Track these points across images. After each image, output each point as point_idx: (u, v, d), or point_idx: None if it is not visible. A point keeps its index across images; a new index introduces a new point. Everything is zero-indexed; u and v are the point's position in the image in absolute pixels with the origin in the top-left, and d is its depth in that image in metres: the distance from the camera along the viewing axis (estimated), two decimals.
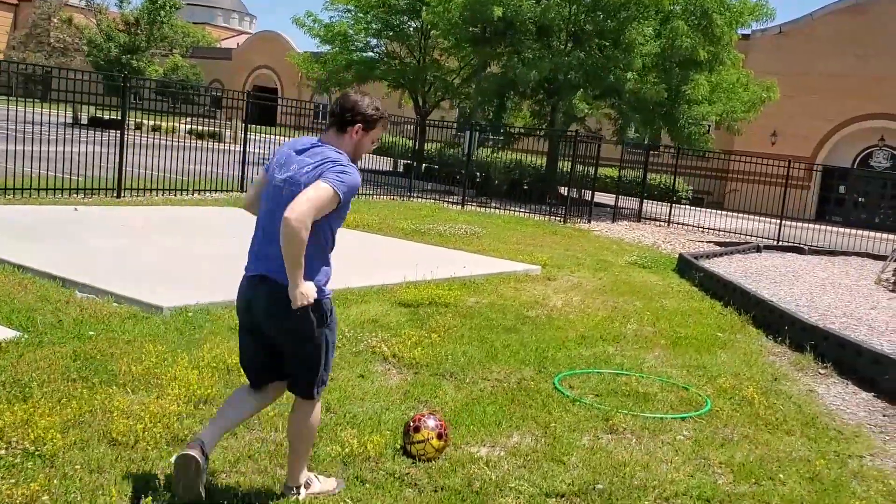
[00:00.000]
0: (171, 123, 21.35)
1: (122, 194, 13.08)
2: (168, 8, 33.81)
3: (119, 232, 9.53)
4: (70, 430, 3.81)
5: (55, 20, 43.92)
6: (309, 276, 3.16)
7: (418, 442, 3.97)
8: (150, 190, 13.62)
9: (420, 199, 19.00)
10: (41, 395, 4.17)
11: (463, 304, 7.59)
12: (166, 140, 16.30)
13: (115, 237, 9.08)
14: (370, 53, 27.00)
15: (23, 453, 3.54)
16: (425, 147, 26.83)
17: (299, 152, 3.26)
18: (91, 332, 5.38)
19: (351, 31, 26.02)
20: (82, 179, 12.90)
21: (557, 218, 18.11)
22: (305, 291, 3.11)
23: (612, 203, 20.76)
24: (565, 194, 19.36)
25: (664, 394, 5.53)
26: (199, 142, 19.74)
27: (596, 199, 20.49)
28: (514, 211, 18.43)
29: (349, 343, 5.82)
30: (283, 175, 3.22)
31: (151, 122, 23.75)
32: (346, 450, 3.95)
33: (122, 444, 3.74)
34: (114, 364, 4.78)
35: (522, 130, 22.15)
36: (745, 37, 28.18)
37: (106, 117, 19.52)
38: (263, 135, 18.66)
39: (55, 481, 3.33)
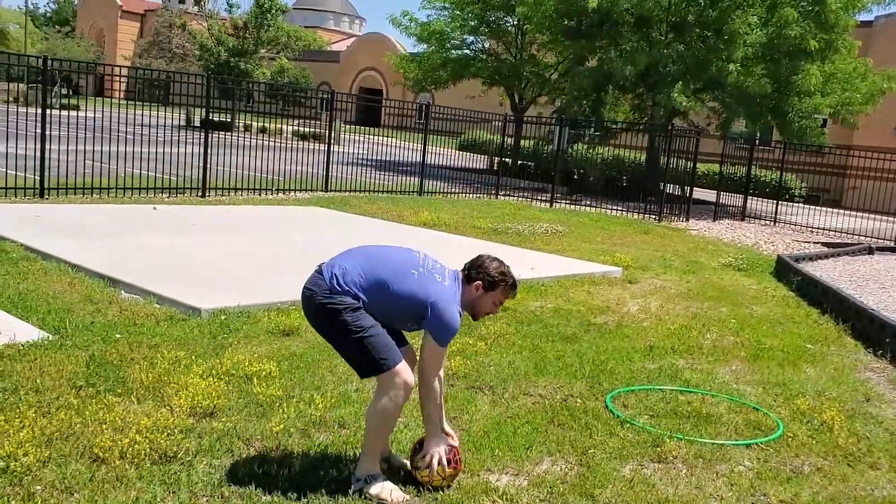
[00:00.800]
0: (277, 125, 21.59)
1: (207, 194, 13.20)
2: (274, 11, 34.56)
3: (189, 231, 9.49)
4: (52, 444, 3.57)
5: (175, 28, 45.72)
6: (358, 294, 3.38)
7: (424, 468, 3.56)
8: (235, 189, 13.69)
9: (507, 198, 18.44)
10: (34, 403, 3.97)
11: (524, 309, 7.12)
12: (266, 140, 16.43)
13: (184, 236, 9.02)
14: (465, 51, 26.67)
15: None
16: (521, 144, 26.27)
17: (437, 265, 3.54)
18: (118, 335, 5.21)
19: (447, 29, 25.77)
20: (172, 179, 13.09)
21: (652, 216, 17.24)
22: (437, 453, 3.48)
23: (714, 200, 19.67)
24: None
25: (731, 415, 4.91)
26: (301, 143, 19.92)
27: (699, 196, 19.46)
28: (607, 209, 17.65)
29: None
30: (425, 256, 3.53)
31: (259, 124, 24.23)
32: (345, 474, 3.57)
33: (103, 460, 3.47)
34: (126, 370, 4.57)
35: (617, 125, 21.24)
36: (867, 23, 26.28)
37: (217, 120, 19.92)
38: (366, 135, 18.63)
39: (13, 502, 3.09)
